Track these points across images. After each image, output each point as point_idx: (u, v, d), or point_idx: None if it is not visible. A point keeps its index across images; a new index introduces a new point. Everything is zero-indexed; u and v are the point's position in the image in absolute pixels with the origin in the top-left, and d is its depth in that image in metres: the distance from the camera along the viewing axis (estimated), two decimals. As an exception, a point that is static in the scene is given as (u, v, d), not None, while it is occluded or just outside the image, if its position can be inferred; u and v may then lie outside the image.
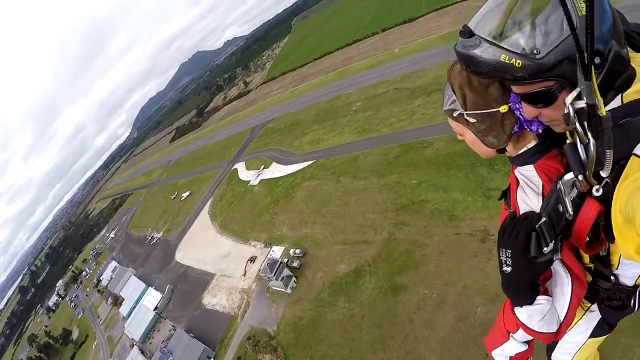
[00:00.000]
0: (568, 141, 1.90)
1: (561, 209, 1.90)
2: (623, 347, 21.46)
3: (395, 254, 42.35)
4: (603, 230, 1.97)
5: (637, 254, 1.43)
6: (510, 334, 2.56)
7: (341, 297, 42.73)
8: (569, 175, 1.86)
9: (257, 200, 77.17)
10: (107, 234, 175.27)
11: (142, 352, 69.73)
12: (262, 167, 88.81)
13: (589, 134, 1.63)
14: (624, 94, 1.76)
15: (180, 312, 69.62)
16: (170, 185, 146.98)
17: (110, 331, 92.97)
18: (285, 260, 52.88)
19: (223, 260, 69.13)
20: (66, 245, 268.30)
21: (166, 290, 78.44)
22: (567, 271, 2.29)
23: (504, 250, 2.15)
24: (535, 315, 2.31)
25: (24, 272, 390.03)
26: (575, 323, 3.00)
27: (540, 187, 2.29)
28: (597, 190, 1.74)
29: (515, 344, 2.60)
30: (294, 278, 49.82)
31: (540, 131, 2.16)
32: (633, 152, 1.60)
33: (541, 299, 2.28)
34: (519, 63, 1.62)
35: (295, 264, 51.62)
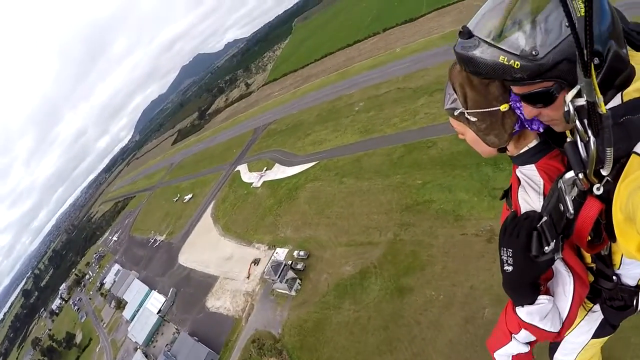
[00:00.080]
0: (568, 140, 1.89)
1: (562, 208, 1.91)
2: (634, 347, 21.05)
3: (401, 255, 41.95)
4: (604, 229, 1.95)
5: (638, 252, 1.45)
6: (513, 334, 2.53)
7: (346, 299, 42.34)
8: (570, 174, 1.86)
9: (260, 202, 76.89)
10: (110, 237, 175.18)
11: (146, 356, 69.62)
12: (265, 168, 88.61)
13: (590, 132, 1.63)
14: (623, 93, 1.76)
15: (183, 315, 69.23)
16: (173, 187, 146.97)
17: (114, 334, 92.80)
18: (290, 262, 52.55)
19: (226, 262, 68.81)
20: (69, 249, 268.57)
21: (169, 293, 78.10)
22: (569, 270, 2.29)
23: (505, 249, 2.16)
24: (536, 314, 2.29)
25: (27, 275, 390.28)
26: (578, 324, 2.99)
27: (542, 187, 2.30)
28: (598, 189, 1.76)
29: (517, 344, 2.58)
30: (298, 280, 49.46)
31: (541, 130, 2.17)
32: (633, 150, 1.63)
33: (543, 298, 2.29)
34: (517, 64, 1.65)
35: (299, 266, 51.31)
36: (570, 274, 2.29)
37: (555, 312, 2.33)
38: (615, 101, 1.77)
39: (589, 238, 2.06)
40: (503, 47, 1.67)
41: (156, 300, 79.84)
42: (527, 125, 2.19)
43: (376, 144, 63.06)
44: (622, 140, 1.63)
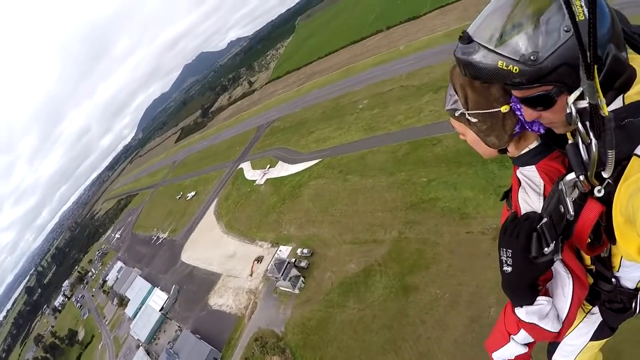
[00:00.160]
0: (570, 141, 1.93)
1: (562, 210, 1.92)
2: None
3: (406, 253, 41.57)
4: (604, 231, 1.97)
5: (638, 254, 1.49)
6: (511, 336, 2.51)
7: (351, 298, 42.01)
8: (571, 176, 1.88)
9: (263, 199, 76.65)
10: (113, 235, 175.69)
11: (148, 353, 69.59)
12: (268, 166, 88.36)
13: (591, 134, 1.65)
14: (625, 95, 1.76)
15: (186, 312, 69.13)
16: (176, 185, 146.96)
17: (116, 332, 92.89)
18: (293, 260, 52.27)
19: (229, 260, 68.58)
20: (72, 246, 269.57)
21: (172, 290, 77.98)
22: (568, 272, 2.28)
23: (504, 250, 2.16)
24: (536, 314, 2.29)
25: (30, 272, 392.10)
26: (576, 325, 3.02)
27: (542, 188, 2.31)
28: (599, 191, 1.77)
29: (515, 346, 2.55)
30: (302, 278, 49.15)
31: (541, 131, 2.17)
32: (634, 152, 1.64)
33: (541, 299, 2.29)
34: (516, 69, 1.65)
35: (303, 264, 50.96)
36: (570, 276, 2.28)
37: (554, 313, 2.32)
38: (617, 104, 1.75)
39: (589, 240, 2.09)
40: (502, 52, 1.66)
41: (159, 298, 79.75)
42: (527, 127, 2.18)
43: (380, 142, 62.68)
44: (624, 143, 1.63)
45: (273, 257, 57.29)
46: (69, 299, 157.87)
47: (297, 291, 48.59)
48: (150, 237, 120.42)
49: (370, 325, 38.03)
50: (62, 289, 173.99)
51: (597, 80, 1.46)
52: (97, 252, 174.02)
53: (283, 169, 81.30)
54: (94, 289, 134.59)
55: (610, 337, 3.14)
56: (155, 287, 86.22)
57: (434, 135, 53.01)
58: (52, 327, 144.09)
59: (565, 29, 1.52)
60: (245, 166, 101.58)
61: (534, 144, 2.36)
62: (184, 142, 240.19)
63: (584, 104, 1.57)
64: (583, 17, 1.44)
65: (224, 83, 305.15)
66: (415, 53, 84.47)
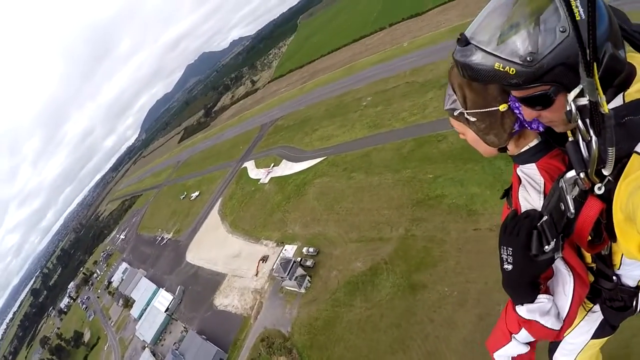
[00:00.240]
0: (570, 139, 1.97)
1: (563, 207, 1.95)
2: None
3: (413, 251, 41.13)
4: (605, 229, 1.99)
5: (639, 252, 1.50)
6: (512, 334, 2.55)
7: (357, 297, 41.58)
8: (571, 173, 1.91)
9: (267, 198, 76.37)
10: (118, 236, 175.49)
11: (154, 354, 69.29)
12: (272, 165, 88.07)
13: (591, 132, 1.68)
14: (625, 94, 1.79)
15: (191, 313, 68.85)
16: (179, 185, 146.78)
17: (122, 333, 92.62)
18: (299, 259, 51.94)
19: (234, 260, 68.25)
20: (77, 248, 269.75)
21: (177, 291, 77.69)
22: (569, 270, 2.31)
23: (505, 248, 2.17)
24: (537, 312, 2.32)
25: (36, 274, 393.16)
26: (577, 324, 3.03)
27: (542, 186, 2.33)
28: (599, 189, 1.81)
29: (517, 345, 2.58)
30: (308, 277, 48.76)
31: (541, 129, 2.21)
32: (634, 150, 1.65)
33: (542, 297, 2.31)
34: (513, 70, 1.68)
35: (308, 263, 50.61)
36: (571, 274, 2.29)
37: (555, 311, 2.33)
38: (617, 102, 1.78)
39: (590, 238, 2.08)
40: (498, 54, 1.69)
41: (164, 299, 79.44)
42: (526, 125, 2.21)
43: (385, 139, 62.26)
44: (624, 140, 1.64)
45: (278, 256, 56.97)
46: (74, 300, 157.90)
47: (303, 290, 48.20)
48: (155, 238, 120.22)
49: (377, 324, 37.62)
50: (68, 291, 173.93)
51: (597, 78, 1.49)
52: (102, 254, 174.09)
53: (287, 168, 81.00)
54: (99, 291, 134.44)
55: (611, 336, 3.13)
56: (161, 288, 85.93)
57: (439, 132, 52.52)
58: (58, 329, 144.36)
59: (561, 29, 1.54)
60: (249, 165, 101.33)
61: (534, 142, 2.39)
62: (187, 142, 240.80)
63: (584, 101, 1.59)
64: (579, 17, 1.47)
65: (226, 82, 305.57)
66: (419, 50, 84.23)
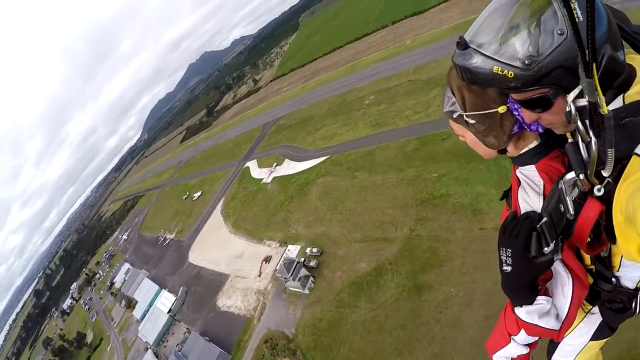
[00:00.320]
0: (570, 140, 1.97)
1: (562, 209, 1.95)
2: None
3: (418, 251, 40.92)
4: (604, 231, 2.00)
5: (639, 254, 1.52)
6: (512, 336, 2.53)
7: (362, 298, 41.38)
8: (571, 175, 1.91)
9: (270, 198, 76.12)
10: (120, 236, 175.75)
11: (157, 356, 69.26)
12: (275, 164, 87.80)
13: (591, 133, 1.68)
14: (625, 95, 1.77)
15: (194, 314, 68.69)
16: (182, 185, 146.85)
17: (125, 334, 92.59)
18: (302, 259, 51.71)
19: (237, 260, 68.02)
20: (80, 248, 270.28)
21: (180, 292, 77.62)
22: (568, 272, 2.30)
23: (504, 249, 2.17)
24: (535, 313, 2.31)
25: (39, 275, 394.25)
26: (576, 325, 3.01)
27: (542, 187, 2.32)
28: (599, 190, 1.80)
29: (516, 346, 2.57)
30: (311, 278, 48.55)
31: (540, 131, 2.21)
32: (634, 151, 1.65)
33: (541, 299, 2.31)
34: (511, 74, 1.68)
35: (312, 264, 50.36)
36: (570, 275, 2.29)
37: (554, 312, 2.33)
38: (617, 103, 1.76)
39: (589, 239, 2.10)
40: (497, 58, 1.69)
41: (166, 300, 79.37)
42: (525, 127, 2.20)
43: (389, 137, 61.96)
44: (624, 142, 1.64)
45: (281, 256, 56.75)
46: (77, 301, 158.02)
47: (307, 291, 47.96)
48: (157, 238, 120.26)
49: (383, 325, 37.47)
50: (70, 292, 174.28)
51: (596, 78, 1.49)
52: (104, 254, 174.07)
53: (290, 167, 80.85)
54: (101, 291, 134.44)
55: (610, 337, 3.10)
56: (163, 289, 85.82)
57: (443, 130, 51.94)
58: (61, 330, 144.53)
59: (559, 32, 1.55)
60: (252, 165, 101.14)
61: (534, 144, 2.35)
62: (189, 141, 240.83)
63: (583, 102, 1.60)
64: (577, 19, 1.47)
65: (228, 82, 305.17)
66: (422, 47, 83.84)
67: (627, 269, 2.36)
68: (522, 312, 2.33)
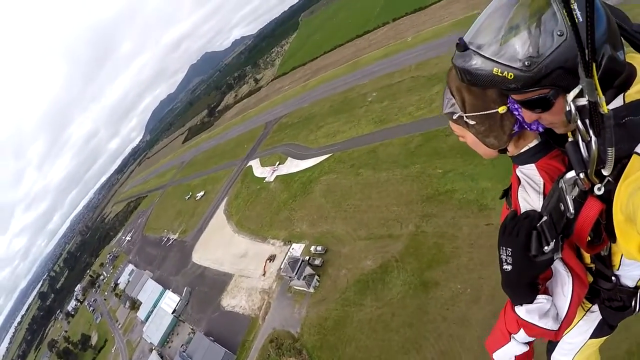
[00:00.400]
0: (570, 139, 1.97)
1: (562, 208, 1.95)
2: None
3: (424, 248, 40.53)
4: (604, 230, 2.00)
5: (639, 253, 1.53)
6: (512, 335, 2.51)
7: (368, 296, 41.02)
8: (571, 174, 1.91)
9: (273, 197, 75.86)
10: (124, 237, 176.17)
11: (162, 357, 69.06)
12: (278, 163, 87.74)
13: (591, 132, 1.68)
14: (625, 94, 1.78)
15: (199, 314, 68.41)
16: (184, 185, 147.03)
17: (129, 335, 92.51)
18: (307, 258, 51.34)
19: (241, 260, 67.75)
20: (83, 250, 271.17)
21: (184, 292, 77.44)
22: (568, 270, 2.30)
23: (504, 248, 2.16)
24: (535, 313, 2.30)
25: (43, 278, 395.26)
26: (576, 324, 3.02)
27: (542, 186, 2.32)
28: (599, 189, 1.80)
29: (516, 345, 2.54)
30: (316, 277, 48.26)
31: (540, 130, 2.20)
32: (635, 150, 1.66)
33: (541, 298, 2.29)
34: (511, 75, 1.69)
35: (317, 262, 50.08)
36: (569, 274, 2.28)
37: (554, 311, 2.32)
38: (617, 102, 1.77)
39: (589, 238, 2.09)
40: (496, 59, 1.69)
41: (171, 300, 79.20)
42: (526, 126, 2.19)
43: (392, 134, 61.61)
44: (624, 141, 1.65)
45: (286, 255, 56.54)
46: (81, 303, 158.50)
47: (312, 290, 47.67)
48: (161, 239, 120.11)
49: (389, 323, 37.14)
50: (75, 294, 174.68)
51: (596, 77, 1.49)
52: (108, 256, 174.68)
53: (293, 165, 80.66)
54: (106, 293, 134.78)
55: (609, 335, 3.08)
56: (167, 290, 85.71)
57: (447, 126, 50.82)
58: (66, 332, 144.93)
59: (558, 33, 1.55)
60: (254, 164, 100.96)
61: (534, 143, 2.34)
62: (191, 142, 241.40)
63: (583, 101, 1.60)
64: (576, 21, 1.47)
65: (229, 82, 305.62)
66: (424, 43, 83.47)
67: (627, 267, 2.35)
68: (522, 311, 2.31)
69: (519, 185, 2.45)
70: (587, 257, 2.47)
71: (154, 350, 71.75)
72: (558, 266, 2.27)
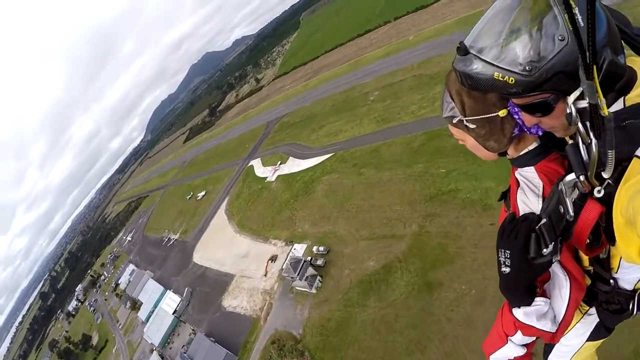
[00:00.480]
0: (570, 142, 1.99)
1: (562, 210, 1.95)
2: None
3: (427, 248, 40.04)
4: (604, 232, 2.04)
5: (639, 256, 1.52)
6: (509, 337, 2.52)
7: (371, 296, 40.55)
8: (571, 176, 1.91)
9: (275, 196, 75.43)
10: (125, 237, 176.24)
11: (162, 358, 68.84)
12: (279, 162, 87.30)
13: (591, 134, 1.69)
14: (626, 98, 1.79)
15: (200, 315, 68.02)
16: (186, 185, 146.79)
17: (130, 336, 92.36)
18: (309, 258, 50.90)
19: (242, 260, 67.33)
20: (85, 250, 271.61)
21: (185, 292, 77.02)
22: (565, 274, 2.32)
23: (502, 251, 2.17)
24: (533, 315, 2.32)
25: (44, 277, 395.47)
26: (573, 326, 3.05)
27: (541, 189, 2.33)
28: (599, 192, 1.81)
29: (513, 347, 2.56)
30: (318, 277, 47.78)
31: (540, 133, 2.21)
32: (635, 154, 1.66)
33: (539, 300, 2.31)
34: (512, 80, 1.70)
35: (319, 262, 49.59)
36: (567, 277, 2.31)
37: (552, 314, 2.34)
38: (618, 106, 1.78)
39: (588, 241, 2.11)
40: (497, 64, 1.69)
41: (171, 301, 78.78)
42: (526, 130, 2.21)
43: (395, 133, 61.05)
44: (624, 143, 1.65)
45: (288, 255, 56.11)
46: (82, 303, 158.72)
47: (314, 291, 47.21)
48: (162, 239, 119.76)
49: (393, 324, 36.68)
50: (76, 294, 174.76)
51: (597, 80, 1.50)
52: (109, 256, 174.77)
53: (294, 165, 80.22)
54: (106, 293, 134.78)
55: (606, 338, 3.10)
56: (168, 290, 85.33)
57: (450, 125, 51.22)
58: (67, 332, 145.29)
59: (559, 37, 1.55)
60: (256, 163, 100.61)
61: (533, 145, 2.36)
62: (192, 141, 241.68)
63: (584, 104, 1.60)
64: (578, 24, 1.49)
65: (230, 81, 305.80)
66: (426, 42, 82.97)
67: (625, 270, 2.35)
68: (520, 313, 2.33)
69: (517, 188, 2.47)
70: (586, 260, 2.47)
71: (154, 351, 71.46)
72: (556, 269, 2.30)
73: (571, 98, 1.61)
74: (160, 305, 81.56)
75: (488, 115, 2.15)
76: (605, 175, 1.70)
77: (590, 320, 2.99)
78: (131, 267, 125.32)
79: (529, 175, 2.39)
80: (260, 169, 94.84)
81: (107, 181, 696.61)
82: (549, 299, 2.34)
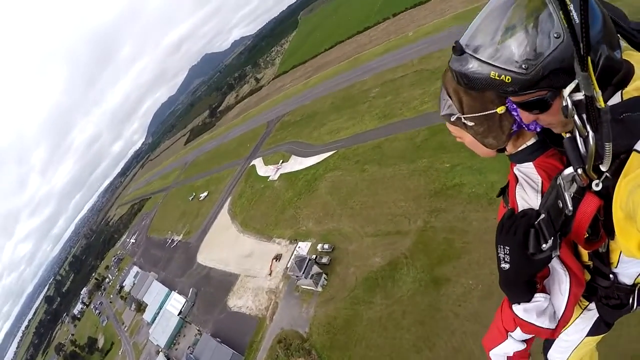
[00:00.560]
0: (567, 135, 1.95)
1: (561, 205, 1.95)
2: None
3: (433, 243, 39.83)
4: (602, 226, 2.02)
5: (638, 250, 1.54)
6: (509, 332, 2.54)
7: (377, 293, 40.35)
8: (569, 170, 1.90)
9: (278, 195, 75.33)
10: (128, 240, 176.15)
11: (168, 359, 68.82)
12: (281, 161, 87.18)
13: (588, 127, 1.68)
14: (623, 92, 1.80)
15: (205, 315, 67.95)
16: (188, 186, 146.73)
17: (136, 338, 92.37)
18: (314, 256, 50.72)
19: (246, 260, 67.23)
20: (89, 253, 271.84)
21: (190, 293, 77.01)
22: (565, 269, 2.31)
23: (502, 247, 2.18)
24: (533, 312, 2.32)
25: (49, 282, 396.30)
26: (573, 321, 3.04)
27: (540, 185, 2.33)
28: (597, 185, 1.80)
29: (513, 343, 2.59)
30: (324, 275, 47.61)
31: (538, 130, 2.23)
32: (634, 148, 1.66)
33: (539, 296, 2.31)
34: (508, 79, 1.71)
35: (324, 260, 49.43)
36: (567, 273, 2.30)
37: (551, 310, 2.34)
38: (615, 99, 1.78)
39: (587, 235, 2.09)
40: (493, 63, 1.70)
41: (176, 302, 78.82)
42: (524, 126, 2.22)
43: (397, 129, 60.83)
44: (622, 137, 1.65)
45: (292, 254, 55.93)
46: (87, 306, 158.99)
47: (319, 289, 47.07)
48: (165, 241, 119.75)
49: (400, 321, 36.53)
50: (81, 297, 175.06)
51: (592, 71, 1.49)
52: (113, 258, 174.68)
53: (297, 163, 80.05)
54: (111, 295, 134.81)
55: (606, 333, 3.08)
56: (173, 291, 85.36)
57: (453, 120, 50.98)
58: (72, 335, 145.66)
59: (555, 35, 1.56)
60: (258, 163, 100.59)
61: (531, 141, 2.37)
62: (193, 143, 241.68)
63: (579, 96, 1.60)
64: (573, 21, 1.48)
65: (230, 82, 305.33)
66: (425, 38, 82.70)
67: (625, 265, 2.33)
68: (519, 309, 2.33)
69: (516, 184, 2.45)
70: (585, 255, 2.44)
71: (160, 353, 71.49)
72: (555, 264, 2.28)
73: (567, 90, 1.62)
74: (165, 306, 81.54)
75: (486, 113, 2.16)
76: (603, 168, 1.69)
77: (589, 315, 2.96)
78: (135, 269, 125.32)
79: (527, 171, 2.38)
80: (262, 168, 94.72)
81: (110, 184, 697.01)
82: (548, 294, 2.33)
